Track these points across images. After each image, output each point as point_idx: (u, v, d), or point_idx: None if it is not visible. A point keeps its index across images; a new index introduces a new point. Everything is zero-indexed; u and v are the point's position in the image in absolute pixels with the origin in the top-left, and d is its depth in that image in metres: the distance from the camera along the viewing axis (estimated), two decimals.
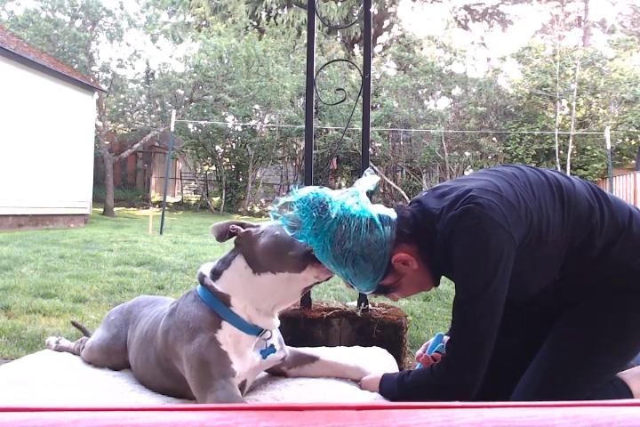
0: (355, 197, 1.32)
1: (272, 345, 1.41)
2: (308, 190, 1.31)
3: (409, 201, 1.51)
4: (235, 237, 1.38)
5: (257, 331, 1.35)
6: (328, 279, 1.39)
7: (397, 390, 1.38)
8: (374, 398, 1.41)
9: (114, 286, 4.32)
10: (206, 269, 1.43)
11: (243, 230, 1.37)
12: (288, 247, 1.32)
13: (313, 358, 1.55)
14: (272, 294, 1.34)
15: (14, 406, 0.45)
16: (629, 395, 1.47)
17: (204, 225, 11.77)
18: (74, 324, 2.07)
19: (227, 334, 1.31)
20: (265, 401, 1.37)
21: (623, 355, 1.46)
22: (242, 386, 1.36)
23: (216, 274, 1.38)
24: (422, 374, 1.36)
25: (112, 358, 1.60)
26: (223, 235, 1.36)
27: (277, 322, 1.43)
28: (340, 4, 20.15)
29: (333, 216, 1.27)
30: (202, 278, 1.39)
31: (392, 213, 1.36)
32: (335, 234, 1.28)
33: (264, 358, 1.39)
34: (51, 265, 5.24)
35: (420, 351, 1.61)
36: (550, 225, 1.33)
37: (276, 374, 1.55)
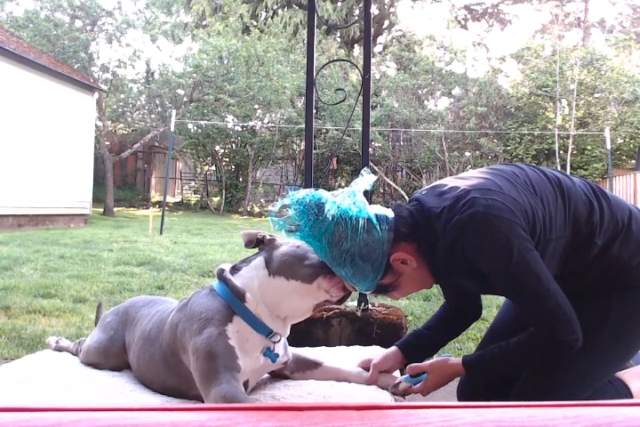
0: (351, 198, 1.32)
1: (276, 354, 1.40)
2: (305, 192, 1.32)
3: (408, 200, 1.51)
4: (260, 245, 1.43)
5: (267, 331, 1.35)
6: (341, 301, 1.39)
7: (501, 365, 1.37)
8: (374, 398, 1.41)
9: (114, 286, 4.32)
10: (225, 265, 1.46)
11: (269, 237, 1.43)
12: (305, 257, 1.36)
13: (316, 364, 1.55)
14: (282, 300, 1.35)
15: (14, 406, 0.45)
16: (629, 395, 1.47)
17: (204, 225, 11.77)
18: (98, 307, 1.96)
19: (235, 329, 1.32)
20: (265, 401, 1.37)
21: (622, 354, 1.46)
22: (244, 385, 1.35)
23: (235, 269, 1.42)
24: (529, 347, 1.34)
25: (110, 360, 1.60)
26: (252, 241, 1.41)
27: (288, 330, 1.43)
28: (339, 4, 20.14)
29: (330, 217, 1.28)
30: (220, 273, 1.42)
31: (389, 213, 1.36)
32: (333, 235, 1.28)
33: (271, 360, 1.39)
34: (51, 265, 5.24)
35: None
36: (553, 222, 1.34)
37: (279, 377, 1.55)
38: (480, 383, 1.54)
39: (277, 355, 1.40)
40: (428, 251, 1.36)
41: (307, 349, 1.66)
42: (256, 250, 1.46)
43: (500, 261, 1.27)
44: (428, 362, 1.47)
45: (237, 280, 1.38)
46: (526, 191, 1.34)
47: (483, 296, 1.66)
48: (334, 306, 2.42)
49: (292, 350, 1.53)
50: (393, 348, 1.61)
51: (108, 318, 1.68)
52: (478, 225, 1.26)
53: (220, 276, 1.41)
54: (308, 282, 1.33)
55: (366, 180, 1.37)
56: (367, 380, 1.52)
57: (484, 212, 1.26)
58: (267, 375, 1.54)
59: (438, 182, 1.48)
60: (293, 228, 1.29)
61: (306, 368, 1.54)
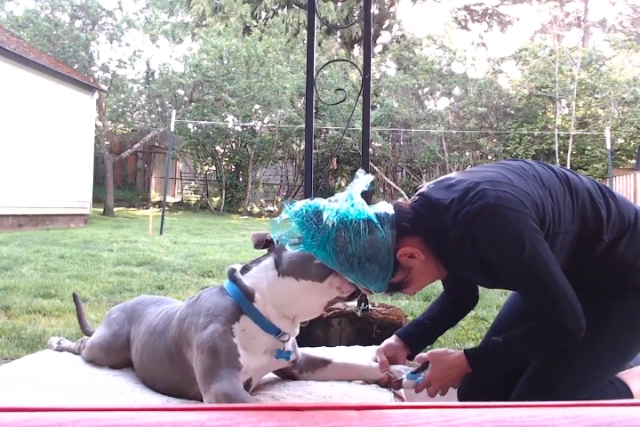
0: (349, 201, 1.31)
1: (288, 351, 1.40)
2: (301, 204, 1.31)
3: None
4: (269, 246, 1.43)
5: (276, 331, 1.36)
6: (353, 298, 1.39)
7: (505, 355, 1.38)
8: (374, 398, 1.41)
9: (114, 286, 4.32)
10: (237, 265, 1.47)
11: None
12: (314, 256, 1.36)
13: (325, 362, 1.55)
14: (292, 300, 1.36)
15: (14, 406, 0.45)
16: (629, 395, 1.47)
17: (204, 225, 11.77)
18: (74, 296, 2.00)
19: (241, 328, 1.32)
20: (265, 401, 1.37)
21: (624, 355, 1.46)
22: (247, 384, 1.35)
23: (246, 269, 1.43)
24: (533, 336, 1.36)
25: (113, 355, 1.60)
26: (261, 243, 1.42)
27: (297, 329, 1.43)
28: (340, 4, 20.14)
29: (330, 224, 1.27)
30: (231, 272, 1.43)
31: (390, 210, 1.35)
32: (336, 241, 1.27)
33: (277, 359, 1.39)
34: (51, 265, 5.24)
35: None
36: (562, 216, 1.34)
37: (287, 377, 1.54)
38: (480, 383, 1.54)
39: (289, 352, 1.41)
40: (436, 243, 1.36)
41: (307, 349, 1.66)
42: (259, 252, 1.46)
43: (511, 254, 1.27)
44: (428, 352, 1.48)
45: (247, 280, 1.39)
46: (535, 184, 1.34)
47: (482, 296, 1.66)
48: (334, 306, 2.42)
49: (300, 350, 1.53)
50: (394, 336, 1.62)
51: (114, 314, 1.69)
52: (488, 217, 1.26)
53: (231, 276, 1.42)
54: (320, 281, 1.34)
55: (362, 181, 1.36)
56: (379, 366, 1.52)
57: (494, 203, 1.26)
58: (271, 376, 1.54)
59: (445, 176, 1.48)
60: (296, 240, 1.29)
61: (315, 367, 1.53)
